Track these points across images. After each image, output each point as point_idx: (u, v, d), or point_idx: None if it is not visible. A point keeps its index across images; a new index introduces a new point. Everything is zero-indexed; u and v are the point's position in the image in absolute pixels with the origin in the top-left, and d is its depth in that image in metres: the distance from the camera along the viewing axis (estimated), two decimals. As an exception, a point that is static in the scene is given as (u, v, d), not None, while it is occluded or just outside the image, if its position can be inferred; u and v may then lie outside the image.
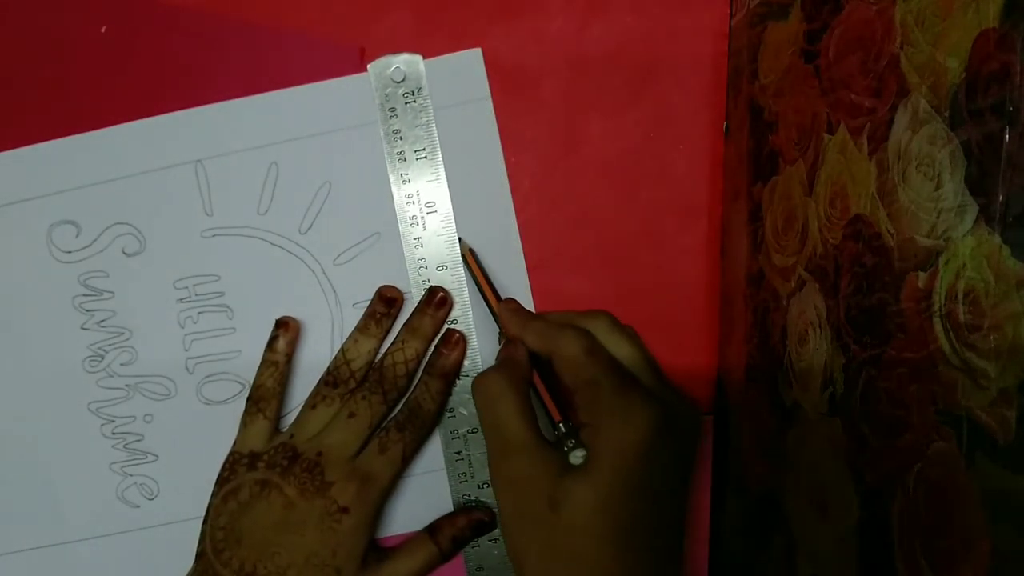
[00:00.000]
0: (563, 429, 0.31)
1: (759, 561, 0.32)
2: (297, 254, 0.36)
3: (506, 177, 0.36)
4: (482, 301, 0.35)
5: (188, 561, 0.33)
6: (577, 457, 0.29)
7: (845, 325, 0.25)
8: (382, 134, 0.36)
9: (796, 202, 0.29)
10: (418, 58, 0.36)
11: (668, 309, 0.36)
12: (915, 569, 0.21)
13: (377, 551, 0.34)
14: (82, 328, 0.36)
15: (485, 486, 0.36)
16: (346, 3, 0.36)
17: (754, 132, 0.33)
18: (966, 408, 0.19)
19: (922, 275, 0.21)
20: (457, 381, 0.36)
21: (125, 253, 0.36)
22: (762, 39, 0.32)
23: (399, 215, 0.36)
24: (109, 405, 0.36)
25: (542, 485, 0.28)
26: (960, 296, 0.19)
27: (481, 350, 0.36)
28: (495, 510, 0.35)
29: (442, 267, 0.36)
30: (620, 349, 0.32)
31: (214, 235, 0.36)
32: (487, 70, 0.36)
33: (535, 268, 0.36)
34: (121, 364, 0.36)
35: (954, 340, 0.19)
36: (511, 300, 0.35)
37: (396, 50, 0.36)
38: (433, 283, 0.35)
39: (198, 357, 0.36)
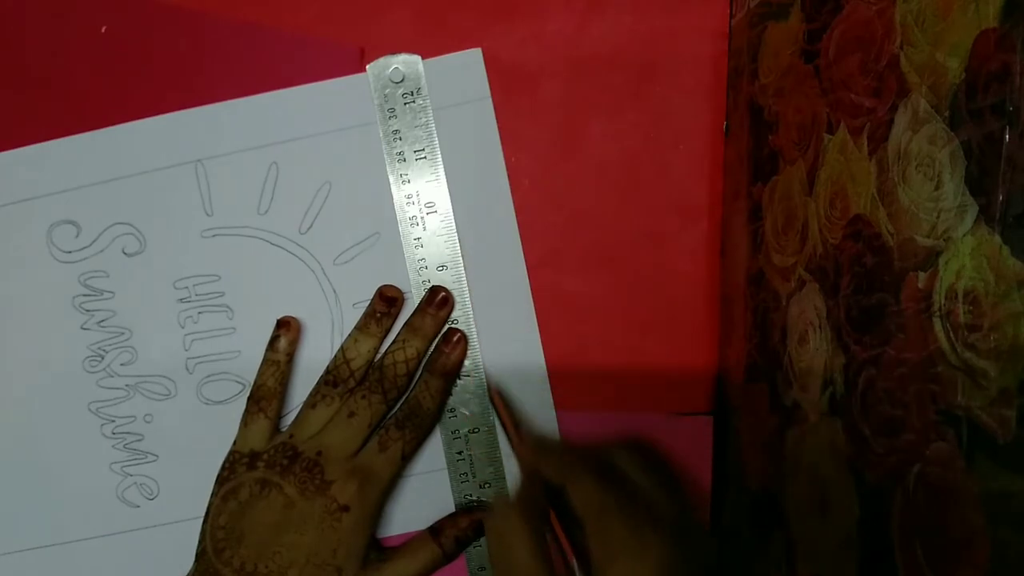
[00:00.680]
0: (577, 573, 0.31)
1: (759, 561, 0.32)
2: (297, 254, 0.36)
3: (506, 177, 0.36)
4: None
5: (188, 561, 0.33)
6: None
7: (845, 325, 0.25)
8: (381, 134, 0.36)
9: (796, 202, 0.29)
10: (417, 58, 0.36)
11: (668, 309, 0.36)
12: (915, 569, 0.21)
13: (379, 551, 0.34)
14: (82, 328, 0.36)
15: (487, 486, 0.36)
16: (346, 3, 0.36)
17: (754, 132, 0.33)
18: (966, 408, 0.19)
19: (922, 275, 0.21)
20: (458, 381, 0.36)
21: (125, 253, 0.36)
22: (762, 39, 0.32)
23: (399, 215, 0.36)
24: (109, 405, 0.36)
25: None
26: (960, 296, 0.19)
27: (481, 350, 0.36)
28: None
29: (442, 267, 0.36)
30: (639, 476, 0.31)
31: (214, 235, 0.36)
32: (487, 70, 0.36)
33: (535, 268, 0.36)
34: (121, 364, 0.36)
35: (954, 340, 0.19)
36: (528, 434, 0.35)
37: (395, 50, 0.36)
38: (433, 283, 0.35)
39: (198, 357, 0.36)
